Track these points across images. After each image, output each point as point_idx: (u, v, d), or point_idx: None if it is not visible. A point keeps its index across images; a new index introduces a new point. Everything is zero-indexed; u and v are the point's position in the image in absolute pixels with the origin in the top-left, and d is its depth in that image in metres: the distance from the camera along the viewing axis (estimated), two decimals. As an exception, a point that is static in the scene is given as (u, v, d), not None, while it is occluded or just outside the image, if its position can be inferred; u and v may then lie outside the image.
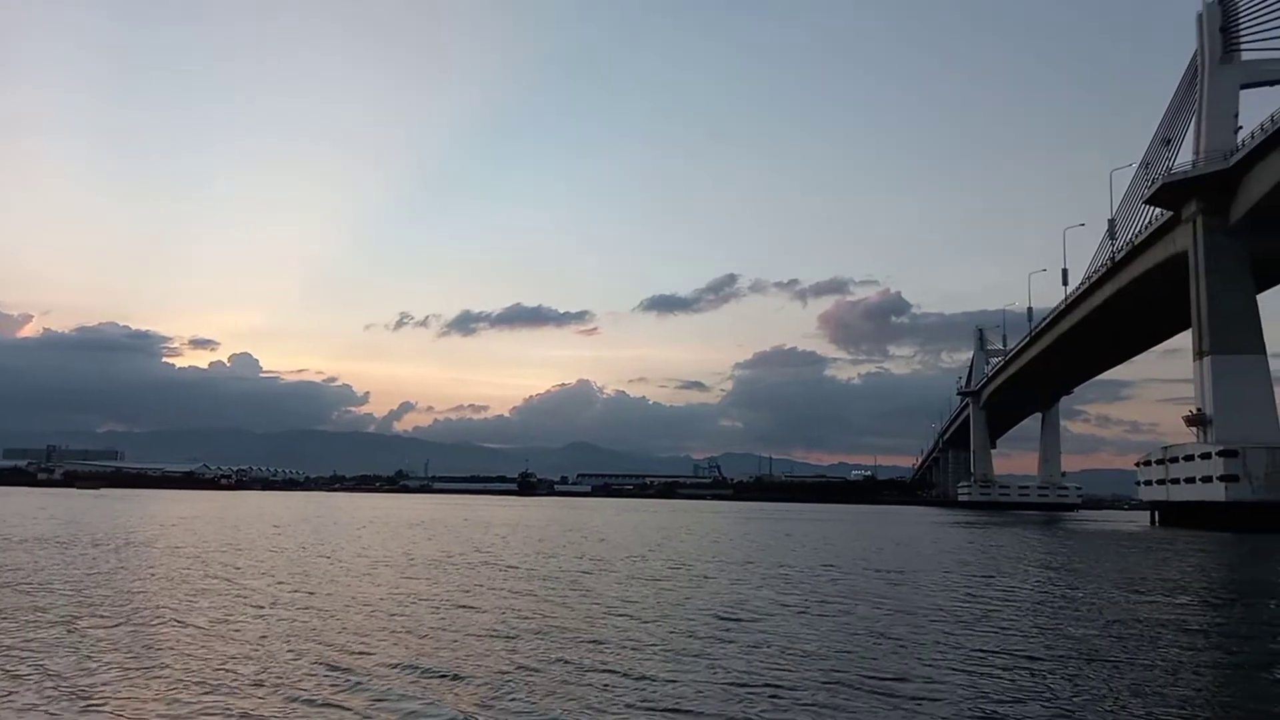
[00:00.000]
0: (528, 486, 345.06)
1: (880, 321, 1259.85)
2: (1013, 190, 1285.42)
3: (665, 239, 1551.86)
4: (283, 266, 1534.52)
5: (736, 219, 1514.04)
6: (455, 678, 13.90)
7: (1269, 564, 45.24)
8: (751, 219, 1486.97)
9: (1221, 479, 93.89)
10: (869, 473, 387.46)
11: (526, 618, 20.16)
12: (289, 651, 15.71)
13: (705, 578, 30.42)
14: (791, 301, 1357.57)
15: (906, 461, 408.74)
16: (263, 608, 21.06)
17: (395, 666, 14.59)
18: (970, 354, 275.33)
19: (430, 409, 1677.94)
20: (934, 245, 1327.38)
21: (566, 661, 15.10)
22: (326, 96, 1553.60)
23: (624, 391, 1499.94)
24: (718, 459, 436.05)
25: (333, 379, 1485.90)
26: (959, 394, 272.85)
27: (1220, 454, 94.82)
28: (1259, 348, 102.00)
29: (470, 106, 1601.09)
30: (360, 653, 15.71)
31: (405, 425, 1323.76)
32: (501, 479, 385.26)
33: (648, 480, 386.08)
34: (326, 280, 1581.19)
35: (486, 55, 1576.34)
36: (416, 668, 14.51)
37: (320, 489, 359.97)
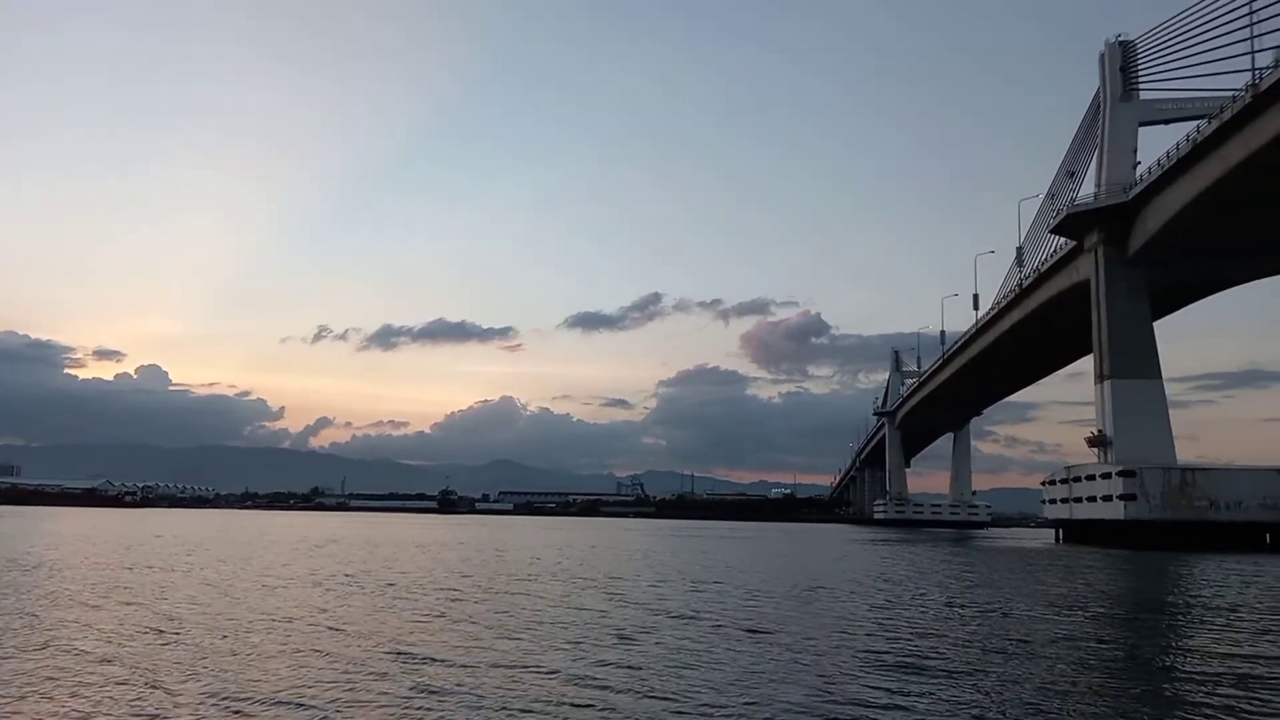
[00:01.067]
0: (448, 505, 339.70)
1: (800, 342, 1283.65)
2: (928, 216, 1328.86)
3: (592, 256, 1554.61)
4: (195, 273, 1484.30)
5: (663, 238, 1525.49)
6: (320, 704, 13.49)
7: (1161, 580, 47.15)
8: (677, 239, 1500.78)
9: (1120, 498, 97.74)
10: (789, 491, 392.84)
11: (417, 643, 19.71)
12: (174, 679, 15.04)
13: (610, 594, 30.24)
14: (715, 321, 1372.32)
15: (825, 480, 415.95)
16: (150, 632, 20.17)
17: (275, 701, 14.09)
18: (887, 375, 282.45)
19: (348, 425, 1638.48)
20: (853, 269, 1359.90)
21: (433, 690, 14.79)
22: (249, 93, 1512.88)
23: (548, 408, 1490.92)
24: (641, 477, 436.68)
25: (246, 393, 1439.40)
26: (875, 414, 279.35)
27: (1119, 474, 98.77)
28: (1155, 373, 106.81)
29: (400, 117, 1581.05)
30: (246, 684, 15.13)
31: (322, 441, 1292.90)
32: (421, 497, 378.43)
33: (571, 498, 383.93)
34: (241, 289, 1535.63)
35: (418, 68, 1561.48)
36: (297, 703, 14.03)
37: (231, 507, 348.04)
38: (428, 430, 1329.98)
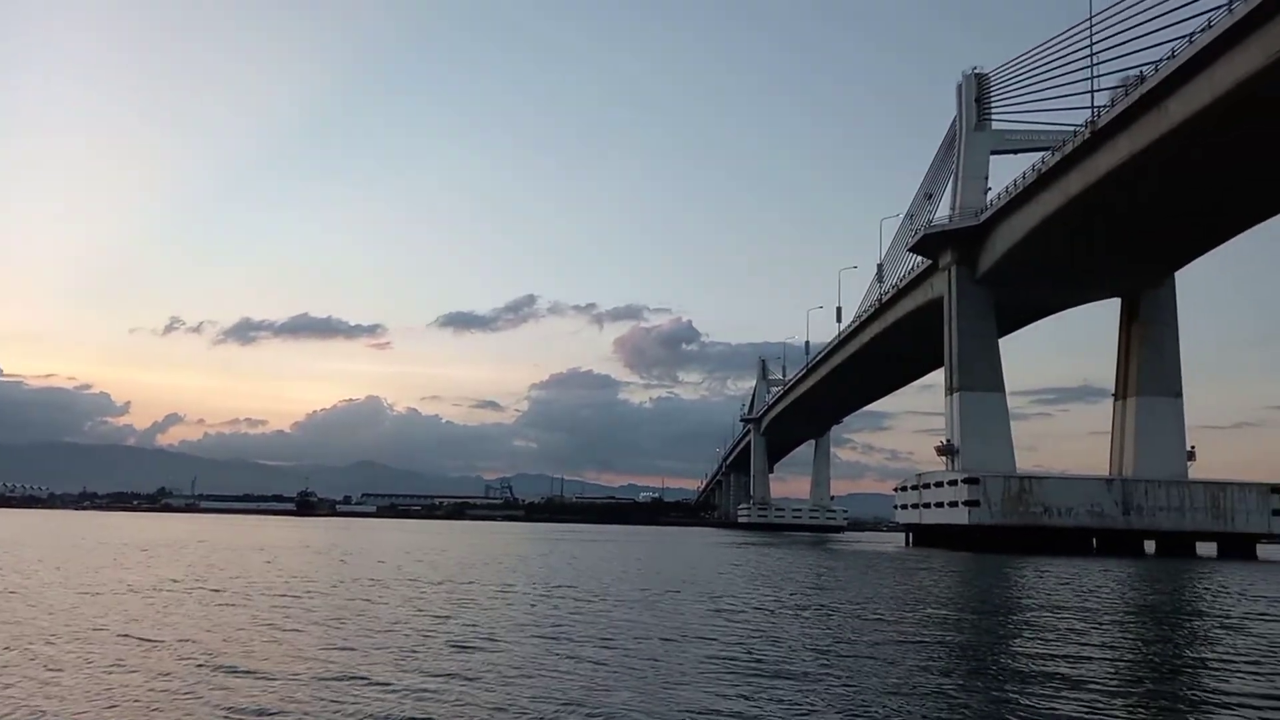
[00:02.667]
0: (307, 506, 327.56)
1: (672, 348, 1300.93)
2: (797, 231, 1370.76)
3: (466, 255, 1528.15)
4: (36, 257, 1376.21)
5: (538, 241, 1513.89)
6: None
7: (994, 582, 49.81)
8: (553, 242, 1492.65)
9: (965, 504, 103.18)
10: (657, 495, 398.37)
11: (235, 654, 18.71)
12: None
13: (456, 600, 29.65)
14: (589, 325, 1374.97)
15: (693, 484, 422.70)
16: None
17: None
18: (754, 383, 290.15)
19: (201, 422, 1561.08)
20: (724, 278, 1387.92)
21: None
22: (103, 68, 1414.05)
23: (416, 409, 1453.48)
24: (510, 479, 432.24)
25: (87, 386, 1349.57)
26: (742, 420, 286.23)
27: (964, 481, 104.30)
28: (999, 386, 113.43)
29: (268, 109, 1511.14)
30: (27, 706, 13.94)
31: (171, 439, 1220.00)
32: (279, 498, 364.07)
33: (437, 500, 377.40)
34: (87, 276, 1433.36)
35: (291, 55, 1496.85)
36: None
37: (67, 507, 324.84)
38: (288, 429, 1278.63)
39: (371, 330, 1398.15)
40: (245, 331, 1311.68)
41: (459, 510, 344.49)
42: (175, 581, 35.30)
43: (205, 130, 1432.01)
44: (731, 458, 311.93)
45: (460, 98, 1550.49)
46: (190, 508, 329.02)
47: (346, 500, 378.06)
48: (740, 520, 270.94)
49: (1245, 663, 20.60)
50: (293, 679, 15.63)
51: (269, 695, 14.33)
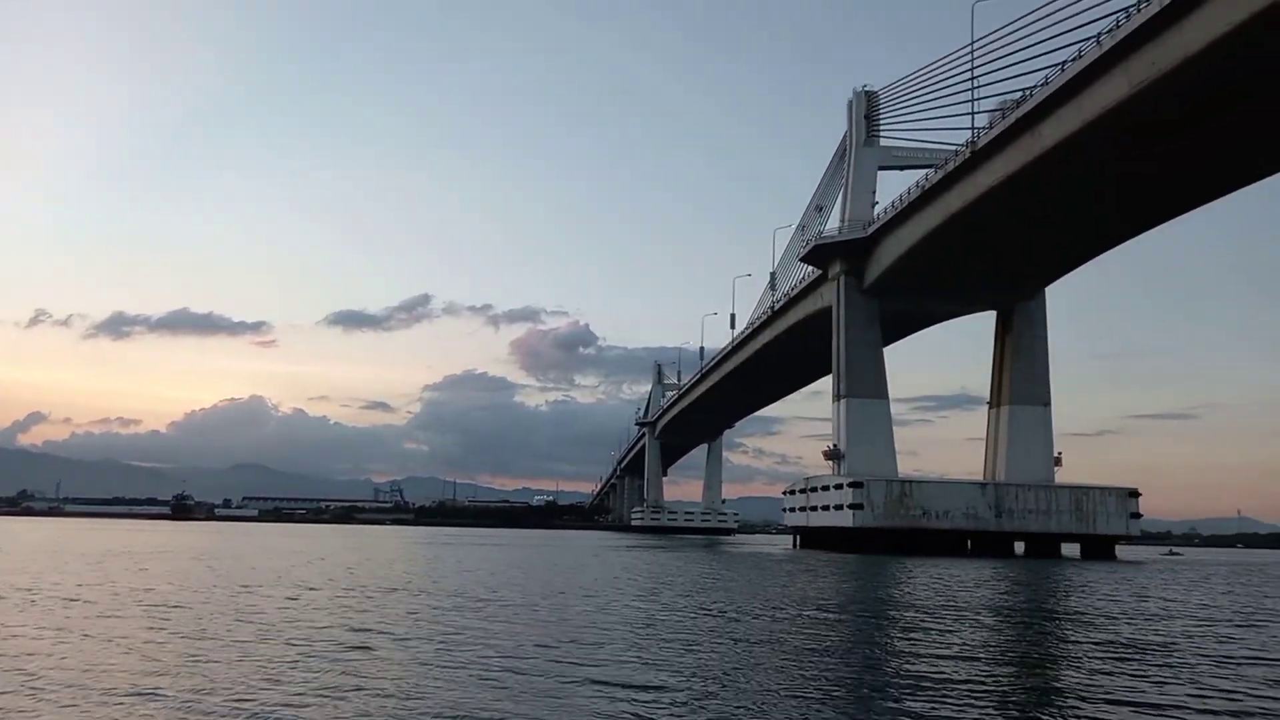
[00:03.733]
0: (183, 510, 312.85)
1: (569, 351, 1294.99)
2: (693, 238, 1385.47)
3: (358, 252, 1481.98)
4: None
5: (434, 239, 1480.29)
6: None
7: (874, 580, 51.71)
8: (449, 241, 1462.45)
9: (850, 507, 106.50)
10: (550, 498, 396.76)
11: (44, 666, 17.96)
12: None
13: (313, 608, 29.04)
14: (484, 326, 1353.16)
15: (588, 487, 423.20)
16: None
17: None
18: (649, 387, 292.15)
19: (67, 421, 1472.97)
20: (621, 283, 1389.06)
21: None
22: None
23: (302, 410, 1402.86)
24: (401, 482, 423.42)
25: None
26: (637, 424, 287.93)
27: (849, 485, 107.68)
28: (883, 393, 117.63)
29: (147, 91, 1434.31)
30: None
31: (33, 439, 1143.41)
32: (153, 502, 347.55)
33: (324, 504, 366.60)
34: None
35: (175, 41, 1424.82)
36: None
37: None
38: (163, 430, 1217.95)
39: (256, 328, 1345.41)
40: (118, 326, 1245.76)
41: (347, 514, 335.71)
42: (23, 591, 33.29)
43: (78, 116, 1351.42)
44: (626, 461, 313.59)
45: (354, 90, 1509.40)
46: (54, 511, 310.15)
47: (226, 504, 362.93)
48: (634, 523, 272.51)
49: (1104, 658, 22.10)
50: (140, 694, 14.93)
51: (111, 712, 13.73)
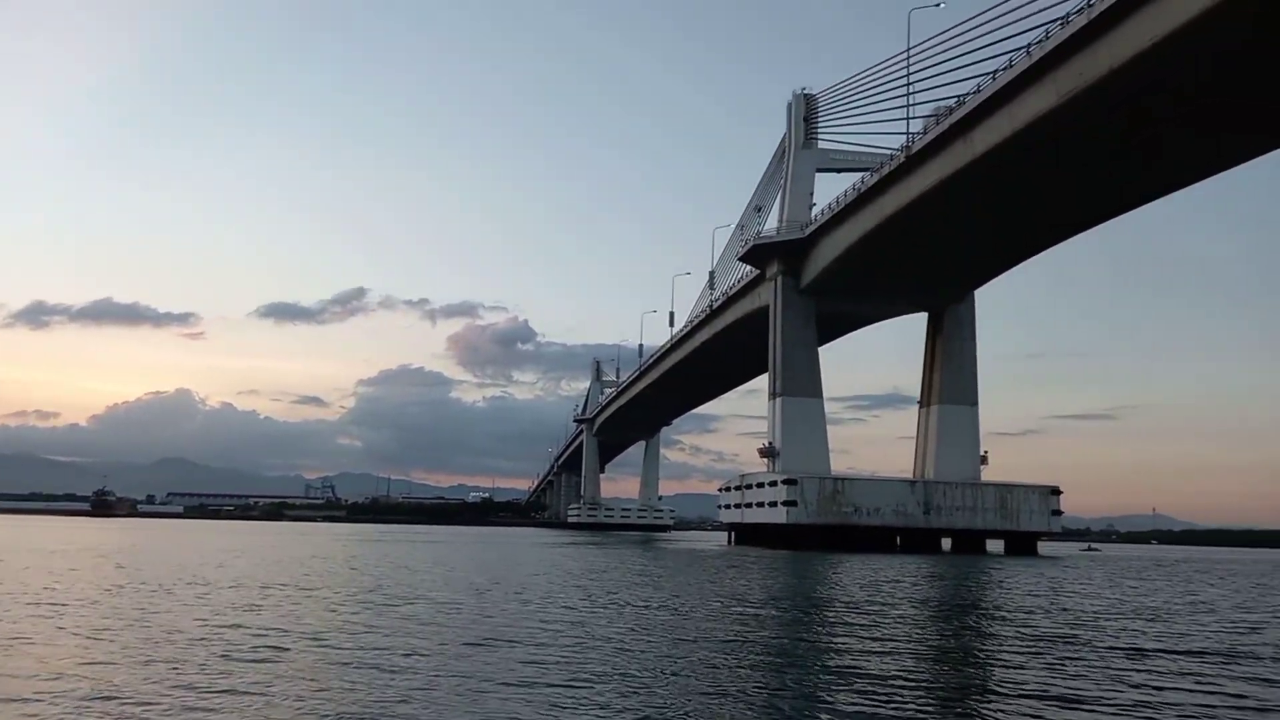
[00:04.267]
0: (104, 506, 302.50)
1: (507, 347, 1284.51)
2: (634, 236, 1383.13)
3: (292, 244, 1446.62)
4: None
5: (371, 231, 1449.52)
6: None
7: (803, 575, 52.40)
8: (387, 234, 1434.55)
9: (784, 504, 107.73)
10: (487, 495, 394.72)
11: None
12: None
13: (225, 607, 28.39)
14: (421, 321, 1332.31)
15: (525, 484, 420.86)
16: None
17: None
18: (588, 384, 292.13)
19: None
20: (561, 279, 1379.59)
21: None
22: None
23: (231, 404, 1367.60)
24: (333, 479, 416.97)
25: None
26: (575, 421, 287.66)
27: (784, 482, 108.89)
28: (818, 392, 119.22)
29: (70, 75, 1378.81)
30: None
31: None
32: (72, 497, 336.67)
33: (252, 500, 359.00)
34: None
35: (118, 28, 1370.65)
36: None
37: None
38: (84, 423, 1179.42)
39: (183, 319, 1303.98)
40: (37, 315, 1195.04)
41: (276, 511, 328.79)
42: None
43: (17, 90, 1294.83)
44: (564, 458, 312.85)
45: (290, 82, 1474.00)
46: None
47: (150, 500, 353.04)
48: (570, 520, 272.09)
49: (1018, 652, 22.73)
50: (38, 699, 14.42)
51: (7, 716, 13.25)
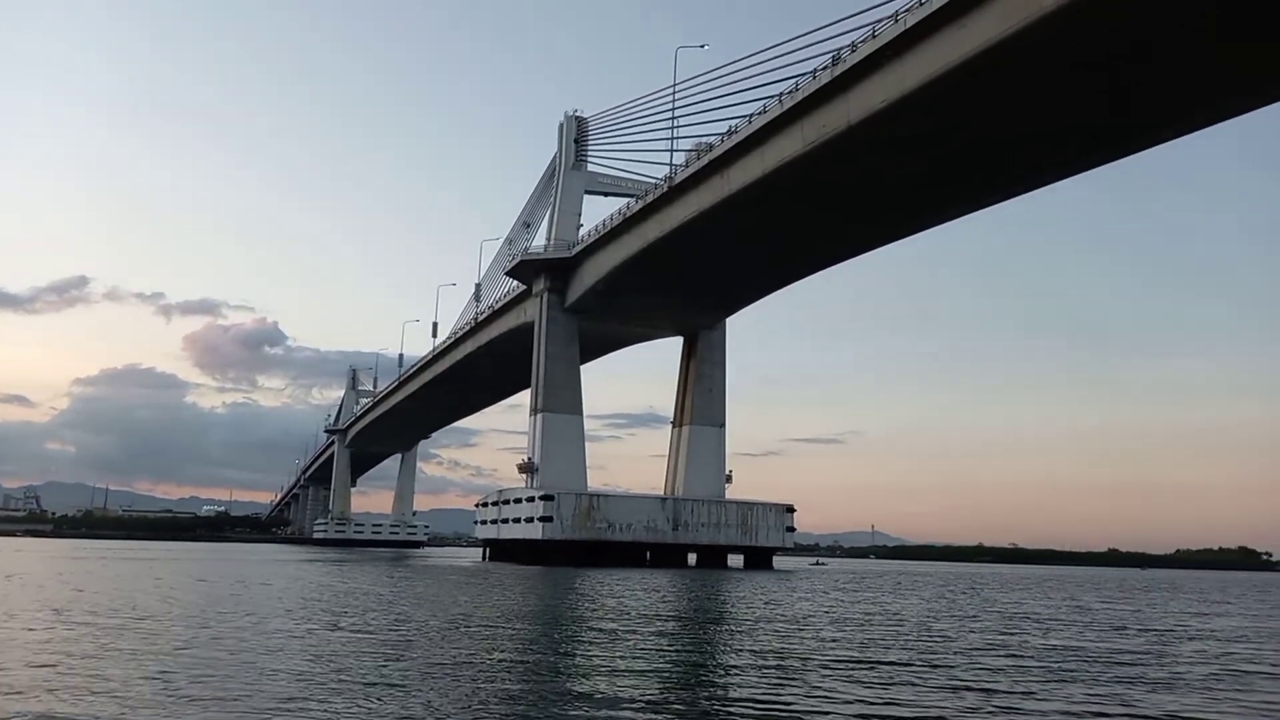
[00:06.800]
0: None
1: (253, 350, 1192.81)
2: (397, 242, 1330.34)
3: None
4: None
5: (97, 215, 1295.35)
6: None
7: (554, 590, 53.09)
8: (116, 218, 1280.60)
9: (540, 519, 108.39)
10: (222, 509, 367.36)
11: None
12: None
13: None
14: (154, 317, 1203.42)
15: (266, 497, 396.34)
16: None
17: None
18: (342, 392, 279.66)
19: None
20: (315, 281, 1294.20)
21: None
22: None
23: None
24: (39, 488, 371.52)
25: None
26: (327, 431, 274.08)
27: (541, 498, 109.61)
28: (578, 409, 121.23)
29: None
30: None
31: None
32: None
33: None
34: None
35: None
36: None
37: None
38: None
39: None
40: None
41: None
42: None
43: None
44: (312, 470, 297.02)
45: (13, 41, 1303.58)
46: None
47: None
48: (316, 536, 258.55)
49: (759, 663, 24.35)
50: None
51: None
